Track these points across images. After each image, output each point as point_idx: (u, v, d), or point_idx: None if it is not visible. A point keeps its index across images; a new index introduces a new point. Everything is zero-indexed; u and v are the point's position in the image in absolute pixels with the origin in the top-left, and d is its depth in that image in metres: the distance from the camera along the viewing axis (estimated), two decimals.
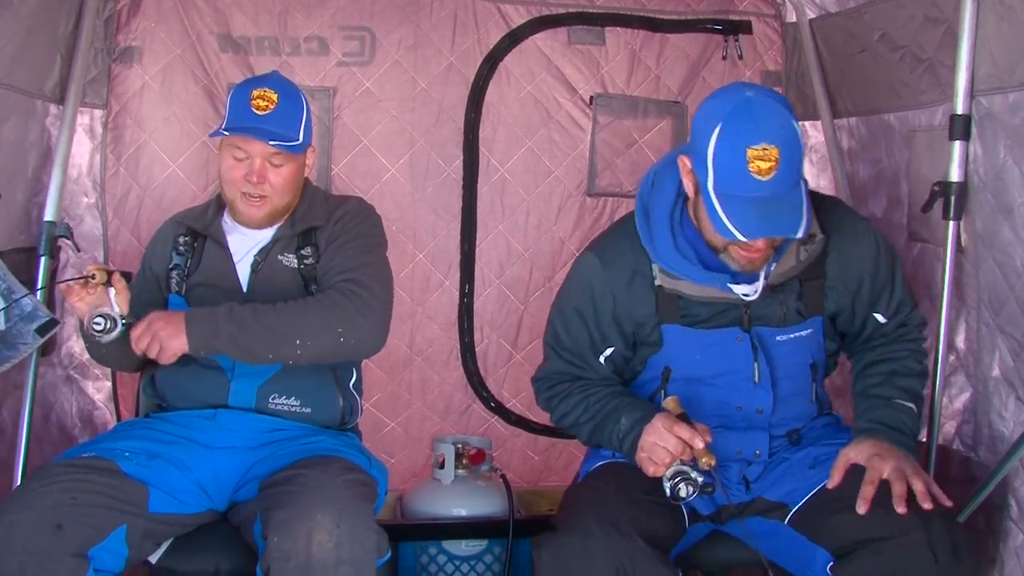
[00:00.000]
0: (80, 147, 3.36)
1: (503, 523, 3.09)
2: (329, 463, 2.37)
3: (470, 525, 3.15)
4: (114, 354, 2.59)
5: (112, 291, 2.36)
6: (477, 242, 3.72)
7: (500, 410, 3.77)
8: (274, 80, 2.62)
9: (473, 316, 3.74)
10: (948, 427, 2.79)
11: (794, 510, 2.33)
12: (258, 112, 2.52)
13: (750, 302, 2.34)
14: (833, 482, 2.28)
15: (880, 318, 2.47)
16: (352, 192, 3.51)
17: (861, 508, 2.17)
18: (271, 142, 2.50)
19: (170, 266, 2.66)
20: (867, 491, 2.19)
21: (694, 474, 2.17)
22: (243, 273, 2.61)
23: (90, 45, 3.20)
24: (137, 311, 2.43)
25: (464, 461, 3.30)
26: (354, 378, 2.73)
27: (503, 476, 3.29)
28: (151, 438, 2.48)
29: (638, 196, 2.43)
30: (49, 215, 2.95)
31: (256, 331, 2.38)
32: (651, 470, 2.23)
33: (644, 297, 2.38)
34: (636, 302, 2.39)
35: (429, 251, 3.69)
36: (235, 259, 2.62)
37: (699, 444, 2.18)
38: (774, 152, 2.06)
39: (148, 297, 2.63)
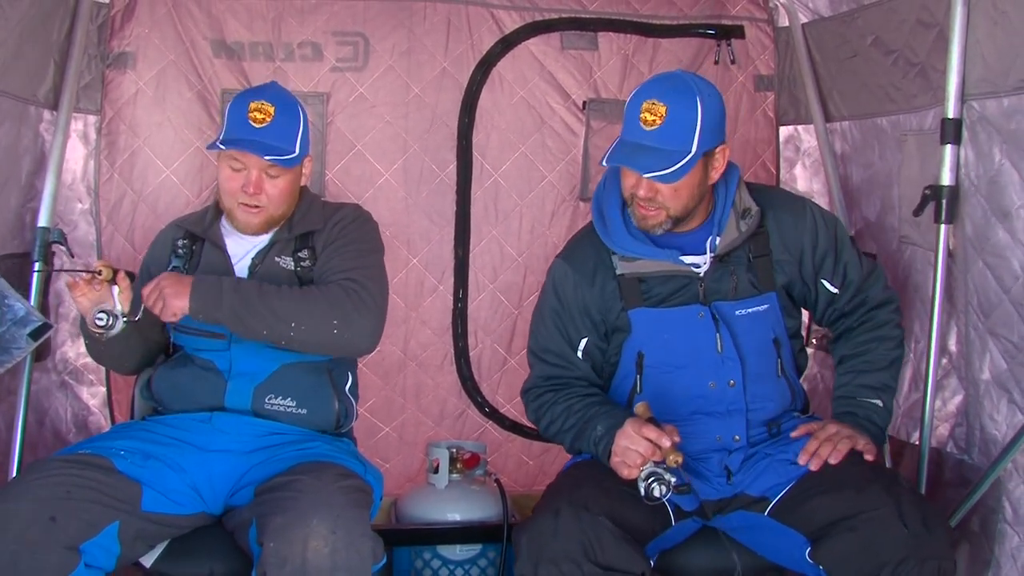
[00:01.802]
0: (74, 153, 3.37)
1: (497, 527, 3.11)
2: (325, 469, 2.38)
3: (464, 530, 3.17)
4: (113, 352, 2.61)
5: (116, 289, 2.40)
6: (471, 247, 3.72)
7: (494, 415, 3.77)
8: (272, 92, 2.64)
9: (467, 321, 3.74)
10: (941, 430, 2.80)
11: (774, 502, 2.43)
12: (255, 124, 2.54)
13: (704, 276, 2.52)
14: (796, 433, 2.51)
15: (829, 286, 2.63)
16: (346, 197, 3.52)
17: (801, 459, 2.42)
18: (266, 157, 2.53)
19: (169, 268, 2.68)
20: (810, 445, 2.44)
21: (667, 475, 2.26)
22: (241, 275, 2.63)
23: (83, 51, 3.20)
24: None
25: (458, 466, 3.32)
26: (349, 382, 2.74)
27: (497, 480, 3.30)
28: (146, 439, 2.49)
29: (593, 198, 2.66)
30: (43, 221, 2.95)
31: (257, 307, 2.42)
32: (625, 472, 2.33)
33: (608, 287, 2.57)
34: (602, 293, 2.57)
35: (423, 256, 3.70)
36: (233, 261, 2.65)
37: (666, 443, 2.28)
38: (661, 108, 2.38)
39: None
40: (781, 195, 2.75)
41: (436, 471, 3.29)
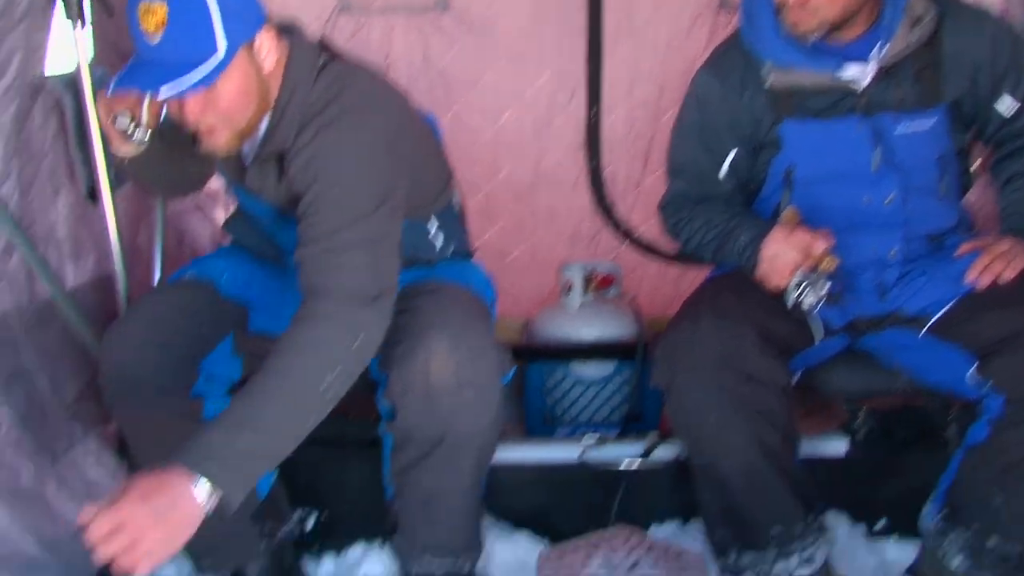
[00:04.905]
0: None
1: (632, 346, 3.06)
2: (437, 290, 2.23)
3: (598, 348, 3.13)
4: (148, 173, 2.28)
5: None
6: (603, 61, 3.52)
7: (629, 236, 3.68)
8: None
9: (600, 140, 3.59)
10: None
11: (933, 319, 2.27)
12: (148, 40, 1.84)
13: (865, 88, 2.28)
14: (963, 249, 2.31)
15: (1006, 105, 2.35)
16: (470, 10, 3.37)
17: (971, 275, 2.22)
18: (161, 88, 1.84)
19: None
20: (980, 260, 2.23)
21: (820, 282, 2.12)
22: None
23: None
24: None
25: (592, 286, 3.27)
26: (433, 231, 2.36)
27: (632, 300, 3.24)
28: (250, 260, 2.41)
29: (741, 3, 2.39)
30: None
31: (273, 443, 1.86)
32: (774, 281, 2.20)
33: (758, 99, 2.35)
34: (751, 105, 2.36)
35: (552, 71, 3.53)
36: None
37: (820, 246, 2.13)
38: None
39: None
40: (960, 3, 2.40)
41: (569, 292, 3.25)
